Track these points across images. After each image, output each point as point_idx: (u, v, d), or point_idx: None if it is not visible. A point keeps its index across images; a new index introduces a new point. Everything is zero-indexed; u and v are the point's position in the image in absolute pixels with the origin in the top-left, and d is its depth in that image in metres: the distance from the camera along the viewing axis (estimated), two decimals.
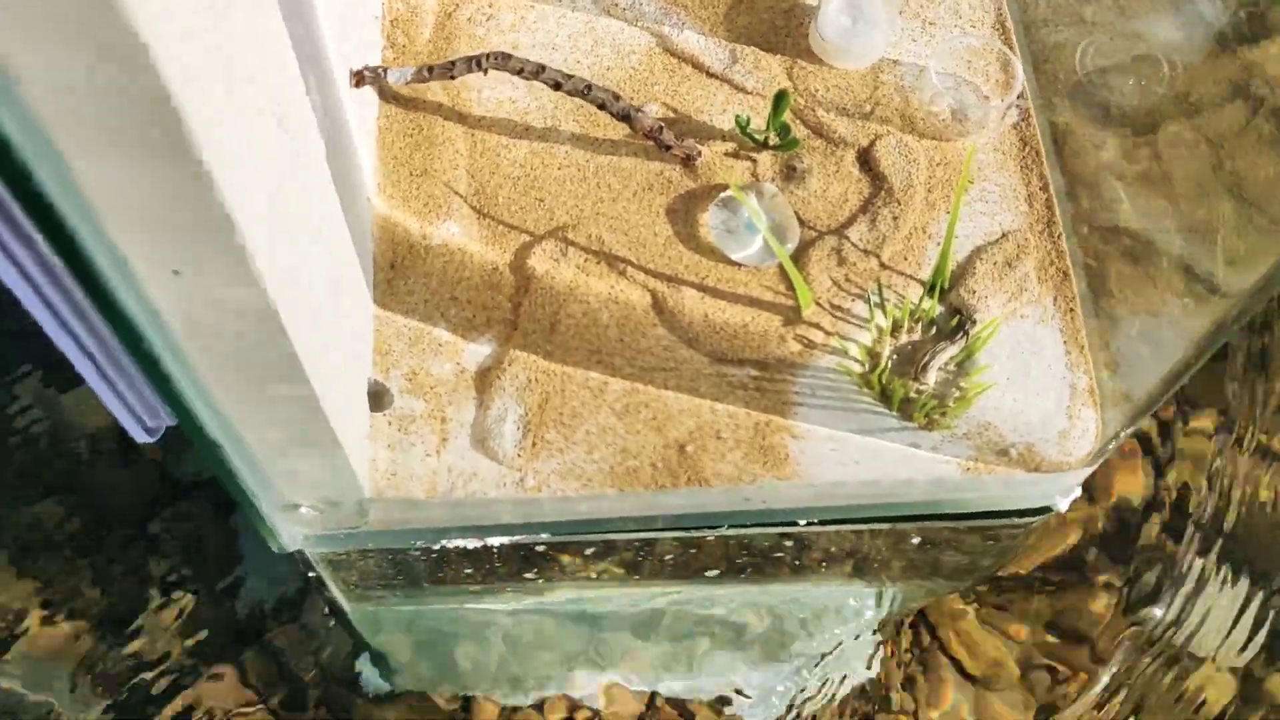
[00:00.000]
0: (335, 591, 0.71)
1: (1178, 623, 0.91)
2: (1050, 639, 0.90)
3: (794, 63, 0.71)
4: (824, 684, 0.87)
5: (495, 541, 0.64)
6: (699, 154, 0.67)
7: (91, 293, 0.38)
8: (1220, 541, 0.94)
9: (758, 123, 0.68)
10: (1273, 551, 0.94)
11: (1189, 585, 0.93)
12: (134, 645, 0.86)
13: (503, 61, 0.63)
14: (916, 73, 0.71)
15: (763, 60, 0.71)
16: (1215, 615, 0.92)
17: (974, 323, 0.62)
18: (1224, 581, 0.93)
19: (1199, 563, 0.93)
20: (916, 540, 0.69)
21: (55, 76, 0.30)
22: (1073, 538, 0.94)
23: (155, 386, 0.44)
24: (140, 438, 0.50)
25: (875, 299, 0.63)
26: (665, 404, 0.61)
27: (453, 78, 0.64)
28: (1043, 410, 0.61)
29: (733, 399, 0.61)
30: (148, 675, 0.85)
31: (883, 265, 0.64)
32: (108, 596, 0.88)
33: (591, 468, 0.60)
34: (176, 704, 0.85)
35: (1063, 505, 0.65)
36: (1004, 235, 0.66)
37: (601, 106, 0.65)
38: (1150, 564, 0.92)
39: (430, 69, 0.63)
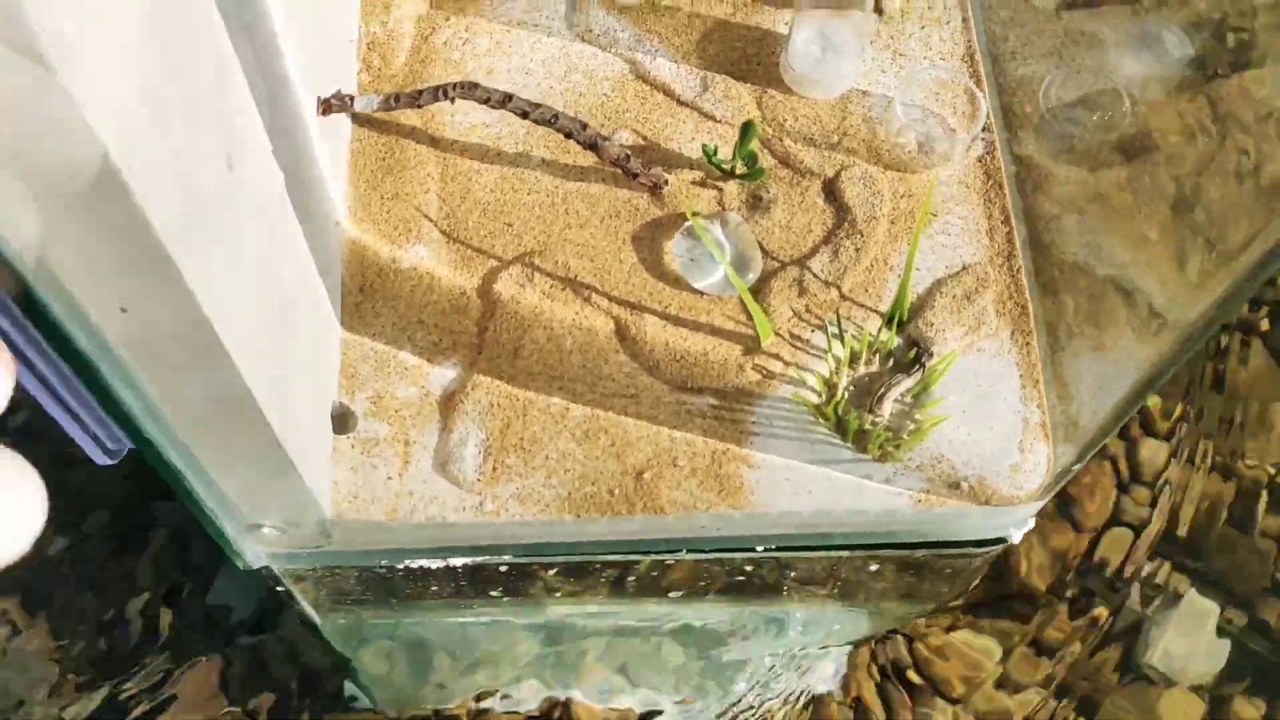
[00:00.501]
0: (305, 605, 0.73)
1: (1145, 642, 0.92)
2: (1017, 655, 0.91)
3: (764, 92, 0.72)
4: (774, 697, 0.88)
5: (457, 562, 0.65)
6: (666, 182, 0.68)
7: (42, 326, 0.40)
8: (1186, 560, 0.95)
9: (725, 152, 0.69)
10: (1241, 571, 0.95)
11: (1155, 604, 0.93)
12: (113, 646, 0.87)
13: (469, 90, 0.64)
14: (885, 104, 0.72)
15: (733, 89, 0.72)
16: (1183, 635, 0.92)
17: (931, 355, 0.63)
18: (1190, 601, 0.94)
19: (1164, 581, 0.94)
20: (874, 567, 0.70)
21: None
22: (1039, 556, 0.95)
23: (110, 415, 0.45)
24: (101, 461, 0.51)
25: (834, 330, 0.64)
26: (625, 431, 0.62)
27: (419, 106, 0.65)
28: (995, 443, 0.62)
29: (691, 427, 0.62)
30: (128, 684, 0.86)
31: (843, 296, 0.65)
32: (90, 597, 0.89)
33: (550, 493, 0.61)
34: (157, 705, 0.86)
35: (1016, 537, 0.66)
36: (964, 268, 0.66)
37: (569, 135, 0.66)
38: (1115, 583, 0.93)
39: (397, 97, 0.64)
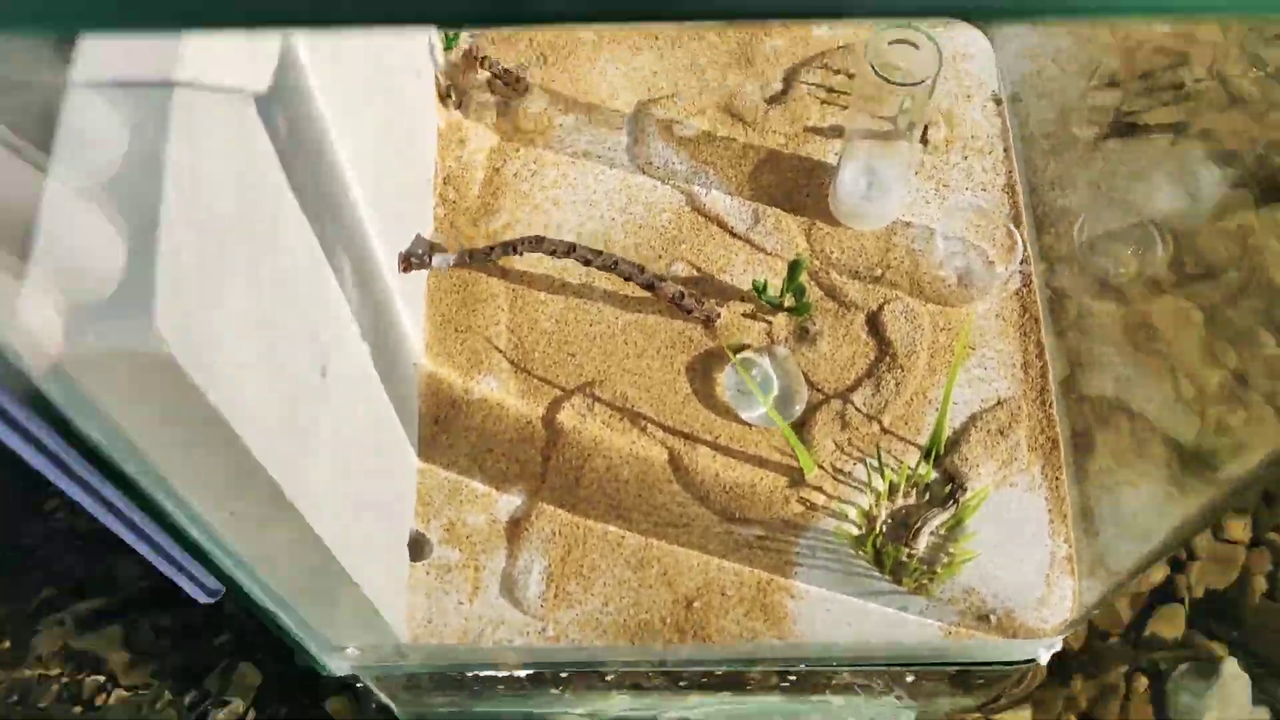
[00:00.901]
0: (382, 697, 0.79)
1: (1183, 709, 0.95)
2: None
3: (812, 224, 0.77)
4: None
5: (521, 672, 0.71)
6: (719, 315, 0.73)
7: (157, 518, 0.46)
8: (1223, 630, 0.97)
9: (776, 283, 0.73)
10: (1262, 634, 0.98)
11: (1192, 672, 0.96)
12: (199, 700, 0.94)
13: (536, 244, 0.69)
14: (927, 235, 0.76)
15: (783, 221, 0.77)
16: (1222, 703, 0.95)
17: (965, 490, 0.67)
18: (1228, 669, 0.97)
19: (1203, 650, 0.97)
20: (910, 678, 0.74)
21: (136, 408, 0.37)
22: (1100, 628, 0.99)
23: (206, 568, 0.51)
24: (202, 600, 0.57)
25: (874, 464, 0.69)
26: (676, 559, 0.67)
27: (491, 261, 0.70)
28: (1023, 577, 0.66)
29: (738, 557, 0.67)
30: None
31: (884, 429, 0.70)
32: (178, 653, 0.96)
33: (607, 619, 0.66)
34: None
35: (1044, 658, 0.70)
36: (999, 403, 0.70)
37: (628, 279, 0.71)
38: (1154, 650, 0.96)
39: (471, 254, 0.70)
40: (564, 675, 0.73)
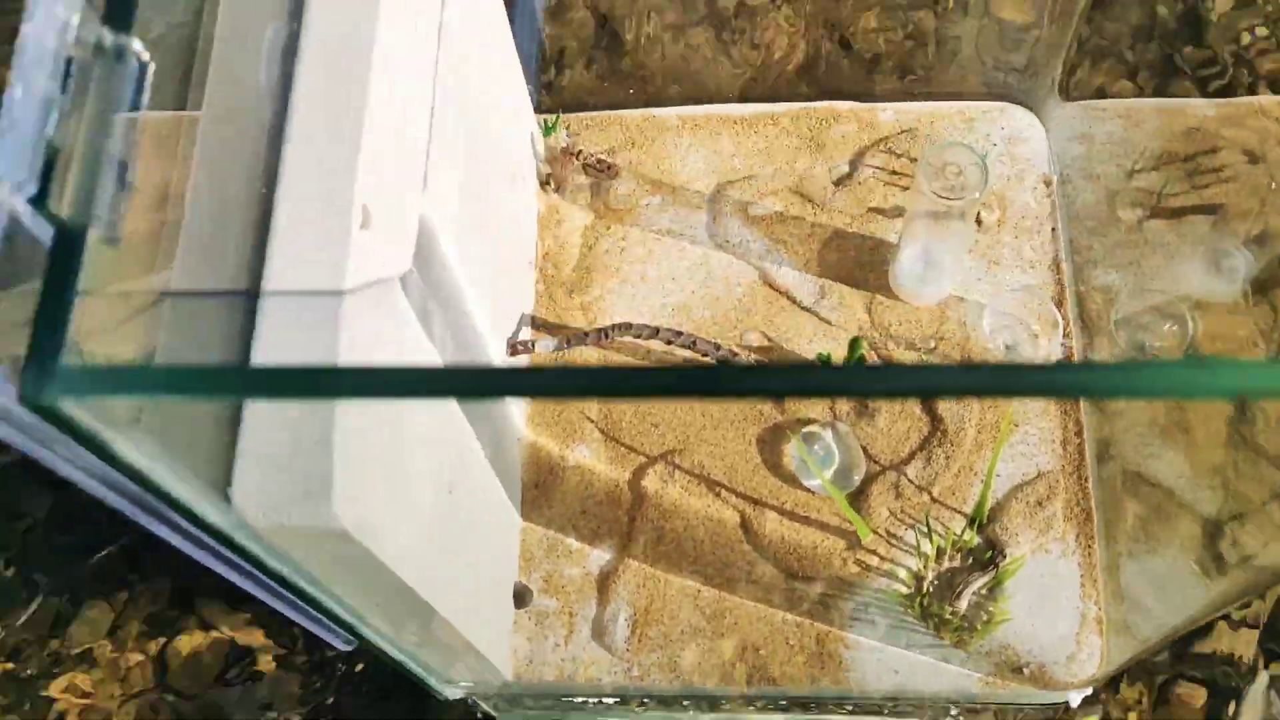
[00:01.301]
0: (489, 709, 0.89)
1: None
2: None
3: (873, 298, 0.84)
4: None
5: (610, 700, 0.81)
6: None
7: (309, 602, 0.56)
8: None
9: (839, 354, 0.82)
10: None
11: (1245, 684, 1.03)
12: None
13: (626, 329, 0.78)
14: (978, 310, 0.83)
15: (846, 296, 0.85)
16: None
17: (1005, 556, 0.76)
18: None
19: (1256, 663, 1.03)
20: (954, 712, 0.83)
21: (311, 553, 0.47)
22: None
23: (342, 628, 0.62)
24: (343, 648, 0.68)
25: (924, 530, 0.77)
26: (745, 611, 0.77)
27: (585, 344, 0.80)
28: (1056, 635, 0.74)
29: (800, 610, 0.76)
30: None
31: (933, 499, 0.78)
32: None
33: (684, 663, 0.76)
34: None
35: (1076, 701, 0.78)
36: (1039, 475, 0.78)
37: (705, 355, 0.80)
38: (1209, 663, 1.02)
39: (569, 339, 0.79)
40: (644, 701, 0.83)
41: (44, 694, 0.97)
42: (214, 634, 1.01)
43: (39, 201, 0.34)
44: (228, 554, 0.47)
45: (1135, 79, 0.99)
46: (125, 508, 0.43)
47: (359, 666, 0.97)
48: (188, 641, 1.03)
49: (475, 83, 0.69)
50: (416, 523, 0.53)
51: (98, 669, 0.97)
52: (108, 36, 0.37)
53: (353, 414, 0.45)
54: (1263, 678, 1.04)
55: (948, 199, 0.73)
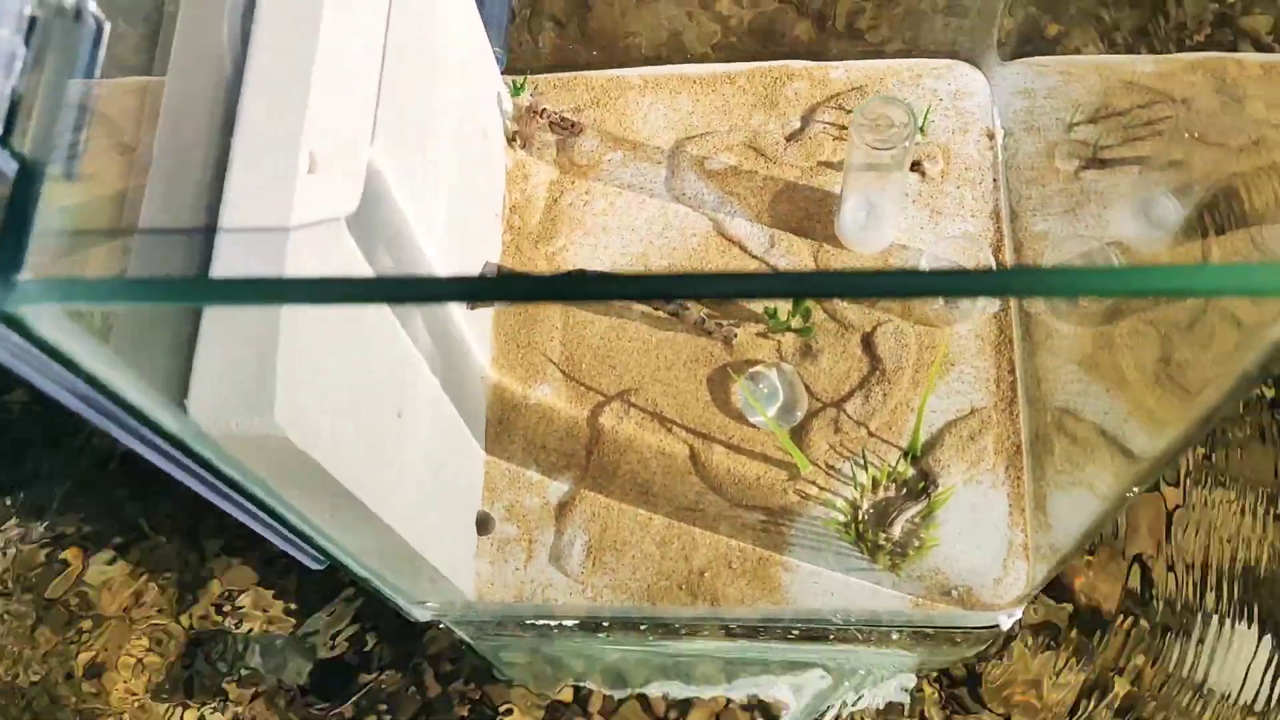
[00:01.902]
0: (460, 634, 0.95)
1: (1200, 671, 1.07)
2: (1077, 672, 1.07)
3: (820, 247, 0.89)
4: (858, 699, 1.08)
5: (569, 622, 0.87)
6: (735, 335, 0.87)
7: (274, 515, 0.62)
8: (1242, 596, 1.09)
9: (785, 307, 0.87)
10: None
11: (1209, 631, 1.08)
12: (318, 647, 1.13)
13: None
14: (919, 259, 0.88)
15: (795, 245, 0.90)
16: (1234, 660, 1.07)
17: (937, 486, 0.81)
18: (1241, 631, 1.08)
19: (1219, 611, 1.09)
20: (895, 635, 0.88)
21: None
22: (1103, 586, 1.11)
23: (313, 548, 0.67)
24: (313, 566, 0.74)
25: (860, 462, 0.82)
26: (693, 537, 0.82)
27: None
28: (983, 560, 0.80)
29: (743, 537, 0.82)
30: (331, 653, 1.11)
31: (870, 434, 0.83)
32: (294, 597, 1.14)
33: (635, 585, 0.81)
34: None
35: (1005, 624, 0.83)
36: (972, 412, 0.83)
37: (658, 306, 0.85)
38: (1173, 616, 1.08)
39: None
40: (605, 624, 0.88)
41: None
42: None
43: (3, 141, 0.40)
44: (189, 463, 0.52)
45: (1107, 39, 1.03)
46: (95, 418, 0.49)
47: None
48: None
49: (434, 42, 0.74)
50: (362, 439, 0.58)
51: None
52: None
53: (299, 337, 0.51)
54: (1240, 627, 1.08)
55: (879, 149, 0.77)
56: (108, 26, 0.44)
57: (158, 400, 0.47)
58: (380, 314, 0.63)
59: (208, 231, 0.51)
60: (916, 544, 0.80)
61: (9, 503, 1.17)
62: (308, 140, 0.54)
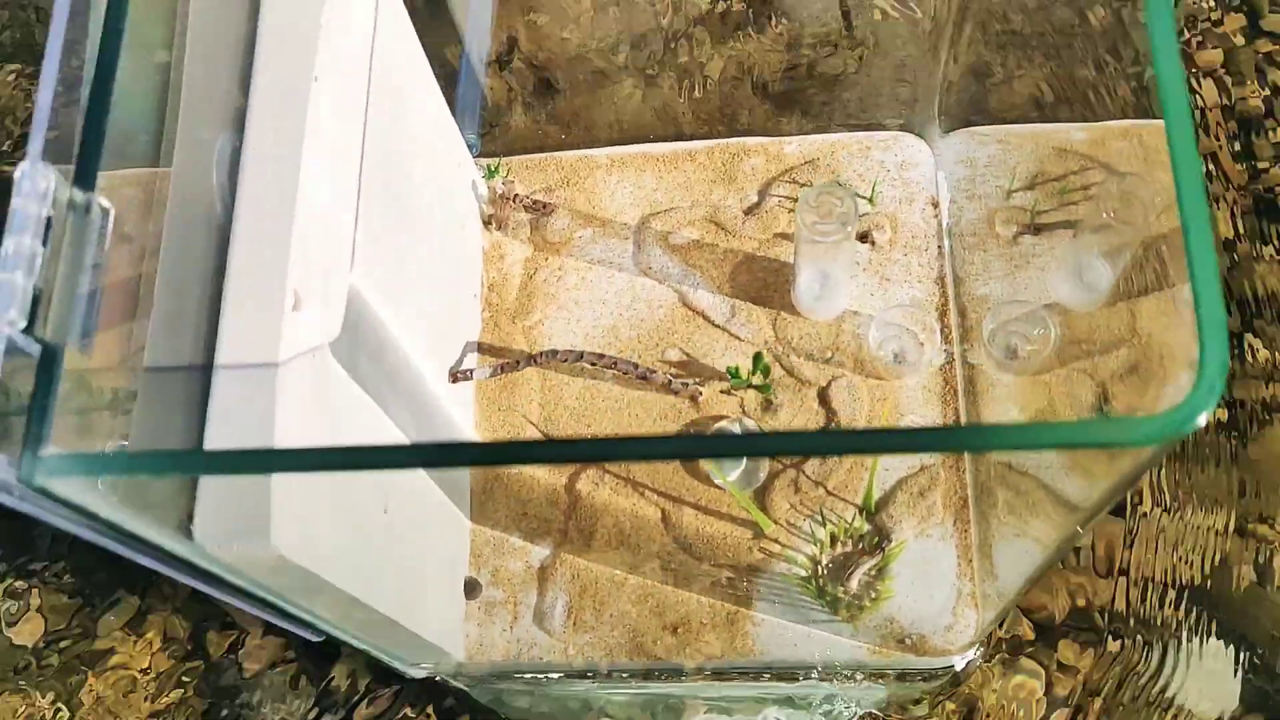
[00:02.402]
0: (457, 684, 1.02)
1: (1168, 681, 1.13)
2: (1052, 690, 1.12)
3: (778, 314, 0.96)
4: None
5: (554, 675, 0.93)
6: (701, 394, 0.93)
7: (281, 611, 0.68)
8: (1206, 610, 1.14)
9: (747, 366, 0.93)
10: (1258, 621, 1.14)
11: (1177, 647, 1.14)
12: (336, 679, 1.19)
13: (551, 356, 0.89)
14: (869, 323, 0.94)
15: (754, 313, 0.96)
16: (1201, 676, 1.13)
17: (890, 541, 0.87)
18: (1208, 645, 1.14)
19: (1185, 626, 1.14)
20: (859, 677, 0.94)
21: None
22: (1062, 601, 1.17)
23: (312, 627, 0.74)
24: (313, 639, 0.80)
25: (819, 520, 0.88)
26: (665, 595, 0.88)
27: (518, 369, 0.91)
28: (934, 609, 0.86)
29: (713, 593, 0.88)
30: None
31: (828, 492, 0.89)
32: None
33: (614, 642, 0.88)
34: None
35: (960, 665, 0.89)
36: (922, 468, 0.89)
37: (626, 374, 0.91)
38: (1140, 626, 1.13)
39: (502, 367, 0.91)
40: (589, 675, 0.95)
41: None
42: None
43: (28, 330, 0.46)
44: (198, 574, 0.59)
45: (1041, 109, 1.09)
46: (115, 547, 0.55)
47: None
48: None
49: (411, 149, 0.80)
50: (351, 541, 0.64)
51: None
52: (78, 195, 0.49)
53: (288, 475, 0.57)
54: (1210, 642, 1.14)
55: (822, 235, 0.84)
56: (113, 212, 0.51)
57: (167, 533, 0.53)
58: (366, 415, 0.70)
59: (205, 371, 0.58)
60: (873, 595, 0.86)
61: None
62: (292, 280, 0.60)
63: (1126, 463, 0.53)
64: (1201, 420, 0.43)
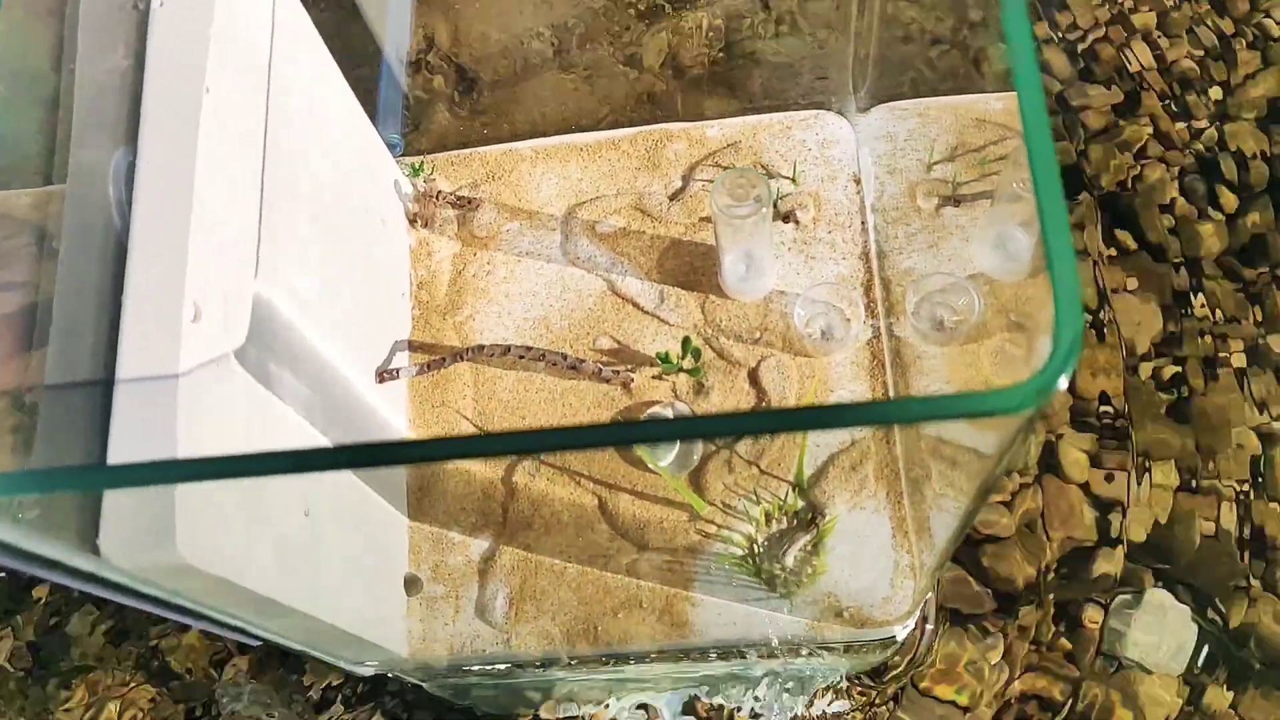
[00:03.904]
0: (409, 679, 1.03)
1: (1121, 634, 1.14)
2: (1008, 650, 1.14)
3: (706, 298, 0.96)
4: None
5: (500, 666, 0.94)
6: (633, 380, 0.94)
7: (212, 621, 0.68)
8: (1159, 565, 1.16)
9: (677, 351, 0.94)
10: (1210, 573, 1.16)
11: (1128, 601, 1.15)
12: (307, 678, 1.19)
13: (478, 352, 0.90)
14: (795, 301, 0.95)
15: (683, 298, 0.96)
16: (1149, 628, 1.14)
17: (823, 516, 0.88)
18: (1153, 597, 1.15)
19: (1136, 581, 1.16)
20: (805, 652, 0.95)
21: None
22: (1029, 569, 1.19)
23: (250, 635, 0.74)
24: (252, 644, 0.81)
25: (753, 499, 0.89)
26: (605, 582, 0.89)
27: (445, 366, 0.92)
28: (872, 582, 0.87)
29: (652, 577, 0.89)
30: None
31: (761, 471, 0.90)
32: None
33: (555, 630, 0.88)
34: None
35: (901, 634, 0.90)
36: (853, 443, 0.90)
37: (555, 365, 0.92)
38: (1093, 584, 1.15)
39: (429, 365, 0.91)
40: (538, 665, 0.96)
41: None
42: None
43: None
44: (115, 589, 0.59)
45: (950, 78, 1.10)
46: (23, 567, 0.55)
47: None
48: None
49: (316, 154, 0.81)
50: (270, 546, 0.65)
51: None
52: None
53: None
54: (1157, 594, 1.16)
55: (738, 217, 0.84)
56: None
57: (72, 550, 0.54)
58: (285, 421, 0.70)
59: (107, 386, 0.58)
60: (809, 571, 0.87)
61: None
62: (190, 292, 0.60)
63: (1011, 422, 0.54)
64: (1063, 383, 0.43)
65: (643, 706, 1.13)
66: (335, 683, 1.18)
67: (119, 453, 0.57)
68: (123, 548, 0.56)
